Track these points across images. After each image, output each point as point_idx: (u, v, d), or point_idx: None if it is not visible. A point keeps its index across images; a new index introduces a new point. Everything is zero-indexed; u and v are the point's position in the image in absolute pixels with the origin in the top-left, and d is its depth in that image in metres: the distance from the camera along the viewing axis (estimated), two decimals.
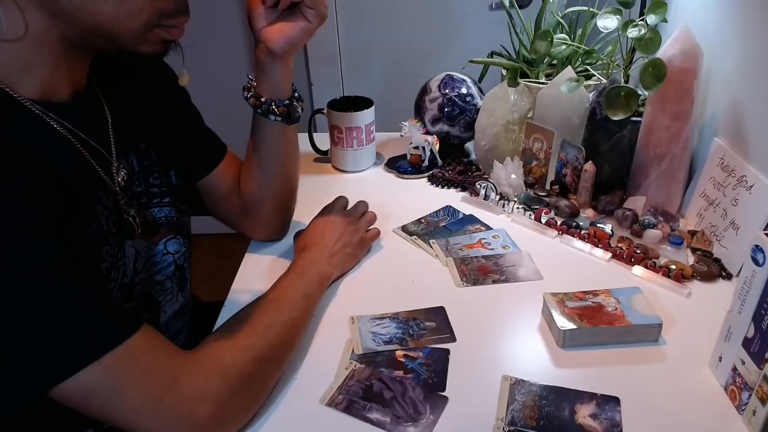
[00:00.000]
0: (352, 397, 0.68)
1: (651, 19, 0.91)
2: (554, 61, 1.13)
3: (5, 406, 0.62)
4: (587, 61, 1.08)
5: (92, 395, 0.54)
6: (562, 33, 1.09)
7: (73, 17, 0.58)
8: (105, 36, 0.61)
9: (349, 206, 0.98)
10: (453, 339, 0.77)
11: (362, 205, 0.98)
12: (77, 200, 0.62)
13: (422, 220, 1.03)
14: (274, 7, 0.75)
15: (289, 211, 0.97)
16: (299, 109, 0.85)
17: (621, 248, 0.92)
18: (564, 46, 1.07)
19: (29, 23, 0.58)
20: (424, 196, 1.11)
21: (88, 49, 0.65)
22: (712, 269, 0.87)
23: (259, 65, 0.80)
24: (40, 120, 0.61)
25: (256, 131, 0.86)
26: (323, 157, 1.24)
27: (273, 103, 0.82)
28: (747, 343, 0.64)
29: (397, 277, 0.89)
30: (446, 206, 1.07)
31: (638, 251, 0.90)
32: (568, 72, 1.01)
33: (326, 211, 0.94)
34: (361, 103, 1.17)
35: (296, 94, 0.85)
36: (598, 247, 0.93)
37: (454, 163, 1.18)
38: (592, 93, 1.03)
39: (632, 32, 0.91)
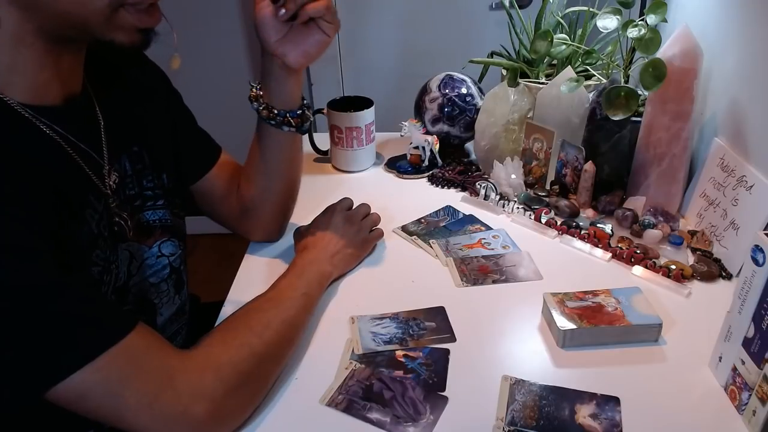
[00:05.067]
0: (352, 397, 0.68)
1: (651, 19, 0.91)
2: (554, 61, 1.13)
3: (2, 408, 0.62)
4: (587, 61, 1.08)
5: (88, 396, 0.54)
6: (562, 33, 1.09)
7: (37, 6, 0.57)
8: (74, 23, 0.59)
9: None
10: (453, 339, 0.77)
11: (365, 207, 0.97)
12: (67, 204, 0.61)
13: (422, 220, 1.03)
14: (291, 20, 0.73)
15: (289, 213, 0.97)
16: (310, 117, 0.85)
17: (621, 248, 0.92)
18: (564, 46, 1.07)
19: (2, 18, 0.57)
20: (424, 196, 1.10)
21: (72, 45, 0.64)
22: (712, 269, 0.87)
23: (272, 77, 0.79)
24: (30, 124, 0.61)
25: (264, 140, 0.85)
26: (323, 157, 1.24)
27: (287, 115, 0.82)
28: (747, 343, 0.64)
29: (397, 277, 0.89)
30: (446, 206, 1.07)
31: (638, 251, 0.90)
32: (568, 72, 1.02)
33: (329, 210, 0.94)
34: (361, 103, 1.17)
35: (305, 102, 0.84)
36: (598, 247, 0.93)
37: (454, 163, 1.18)
38: (592, 93, 1.03)
39: (632, 32, 0.91)
